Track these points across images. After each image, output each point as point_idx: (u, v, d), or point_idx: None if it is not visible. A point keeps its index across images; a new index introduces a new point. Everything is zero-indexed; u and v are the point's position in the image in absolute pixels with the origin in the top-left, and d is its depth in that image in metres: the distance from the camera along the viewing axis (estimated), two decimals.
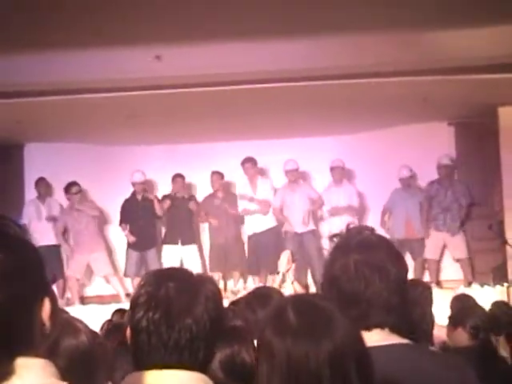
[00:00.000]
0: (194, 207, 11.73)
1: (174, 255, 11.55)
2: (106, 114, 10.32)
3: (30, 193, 12.02)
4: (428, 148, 11.68)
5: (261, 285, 10.12)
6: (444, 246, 11.66)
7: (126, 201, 11.79)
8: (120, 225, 11.79)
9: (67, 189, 11.55)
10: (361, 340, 1.76)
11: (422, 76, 9.33)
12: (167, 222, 11.84)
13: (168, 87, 9.22)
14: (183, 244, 11.65)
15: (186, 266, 10.82)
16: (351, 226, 2.39)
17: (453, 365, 2.18)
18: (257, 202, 11.64)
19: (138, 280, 10.60)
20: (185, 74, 8.77)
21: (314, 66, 8.66)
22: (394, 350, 2.11)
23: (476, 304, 6.29)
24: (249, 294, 4.20)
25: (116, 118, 10.53)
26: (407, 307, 2.27)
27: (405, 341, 2.16)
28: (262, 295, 4.07)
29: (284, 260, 7.58)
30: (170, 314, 1.99)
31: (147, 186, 11.99)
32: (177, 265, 11.14)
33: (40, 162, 12.01)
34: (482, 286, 10.60)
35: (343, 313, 1.76)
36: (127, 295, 11.49)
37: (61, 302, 11.20)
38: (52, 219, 11.78)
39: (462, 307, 5.82)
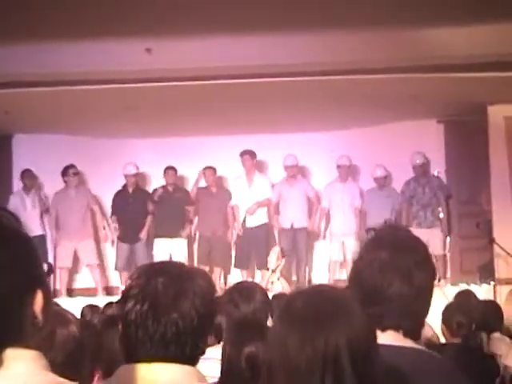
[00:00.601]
0: (185, 200, 11.72)
1: (164, 248, 11.54)
2: (97, 106, 10.30)
3: (18, 184, 11.97)
4: (417, 145, 11.69)
5: (249, 279, 10.13)
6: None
7: (117, 193, 11.80)
8: (111, 217, 11.77)
9: (64, 171, 11.56)
10: (369, 336, 1.72)
11: (412, 73, 9.33)
12: (158, 215, 11.80)
13: (161, 80, 9.20)
14: (174, 237, 11.62)
15: (174, 260, 10.92)
16: (388, 221, 2.40)
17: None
18: (258, 204, 11.62)
19: (125, 273, 10.70)
20: (178, 68, 8.75)
21: (306, 61, 8.66)
22: (407, 354, 2.09)
23: (468, 301, 6.29)
24: (231, 288, 4.19)
25: (108, 110, 10.52)
26: (426, 314, 2.24)
27: (418, 346, 2.16)
28: (244, 290, 4.06)
29: (273, 256, 7.61)
30: (157, 307, 1.99)
31: (139, 178, 11.97)
32: (166, 258, 11.17)
33: (29, 153, 11.97)
34: (468, 284, 10.62)
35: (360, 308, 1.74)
36: (105, 289, 11.50)
37: None
38: (45, 210, 11.75)
39: (450, 304, 5.82)
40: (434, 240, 11.45)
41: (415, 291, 2.14)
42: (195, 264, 11.39)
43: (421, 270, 2.17)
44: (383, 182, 11.83)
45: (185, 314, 1.99)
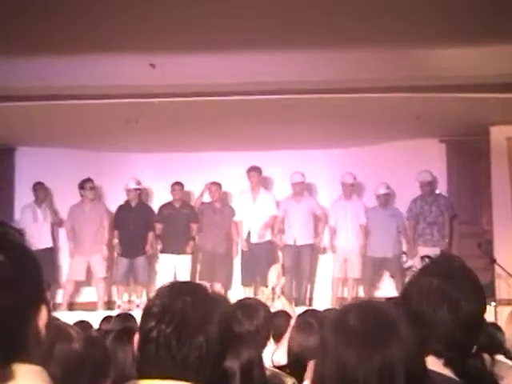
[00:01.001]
0: (192, 216, 11.75)
1: (169, 264, 11.57)
2: (100, 120, 10.31)
3: (21, 197, 11.98)
4: (419, 165, 11.69)
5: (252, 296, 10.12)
6: None
7: (120, 207, 11.84)
8: (113, 231, 11.78)
9: (82, 184, 11.60)
10: (418, 358, 1.74)
11: (416, 93, 9.35)
12: (164, 231, 11.80)
13: (164, 95, 9.22)
14: (179, 253, 11.64)
15: (178, 276, 10.99)
16: (444, 252, 2.44)
17: None
18: (266, 225, 11.63)
19: (122, 287, 10.71)
20: (182, 83, 8.77)
21: (312, 80, 8.68)
22: (445, 381, 2.10)
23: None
24: (235, 305, 4.18)
25: (111, 124, 10.53)
26: (472, 346, 2.24)
27: (455, 377, 2.15)
28: (248, 307, 4.06)
29: (274, 274, 7.61)
30: (183, 329, 1.96)
31: (142, 193, 12.00)
32: (171, 274, 11.19)
33: (32, 166, 11.97)
34: None
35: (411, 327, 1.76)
36: (106, 303, 11.49)
37: None
38: (59, 222, 11.79)
39: None
40: None
41: (461, 321, 2.15)
42: (197, 280, 11.40)
43: (470, 301, 2.18)
44: (385, 200, 11.82)
45: (209, 338, 1.97)
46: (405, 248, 11.77)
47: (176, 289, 2.06)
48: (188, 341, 1.95)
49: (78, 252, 11.62)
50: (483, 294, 2.26)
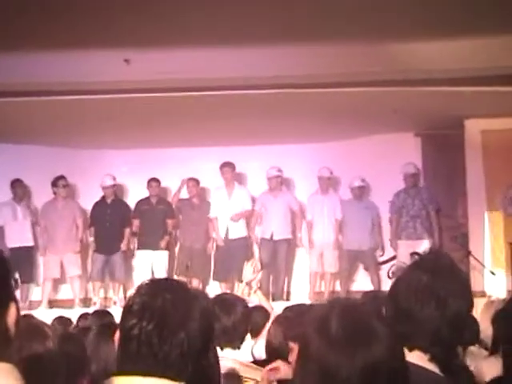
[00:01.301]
0: (168, 213, 11.74)
1: (146, 260, 11.55)
2: (75, 117, 10.25)
3: None
4: (395, 158, 11.73)
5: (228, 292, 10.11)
6: None
7: (96, 204, 11.77)
8: (89, 228, 11.74)
9: (54, 182, 11.51)
10: (400, 358, 1.76)
11: (391, 87, 9.38)
12: (140, 227, 11.79)
13: (139, 91, 9.18)
14: (156, 249, 11.62)
15: (155, 272, 10.97)
16: (434, 249, 2.45)
17: None
18: (241, 214, 11.63)
19: (98, 284, 10.69)
20: (156, 79, 8.73)
21: (287, 74, 8.68)
22: (430, 377, 2.12)
23: None
24: (212, 300, 4.17)
25: (87, 121, 10.48)
26: (457, 343, 2.27)
27: (440, 373, 2.17)
28: (225, 302, 4.06)
29: (249, 269, 7.56)
30: (164, 326, 1.96)
31: (117, 189, 11.95)
32: (148, 270, 11.16)
33: (7, 163, 11.87)
34: None
35: (390, 328, 1.77)
36: (82, 300, 11.43)
37: (23, 306, 11.13)
38: (35, 221, 11.73)
39: None
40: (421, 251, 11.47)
41: (448, 318, 2.17)
42: (174, 275, 11.38)
43: (457, 298, 2.20)
44: (360, 192, 11.85)
45: (191, 335, 1.97)
46: (383, 241, 11.79)
47: (156, 286, 2.06)
48: (169, 338, 1.95)
49: (51, 250, 11.52)
50: (470, 291, 2.29)
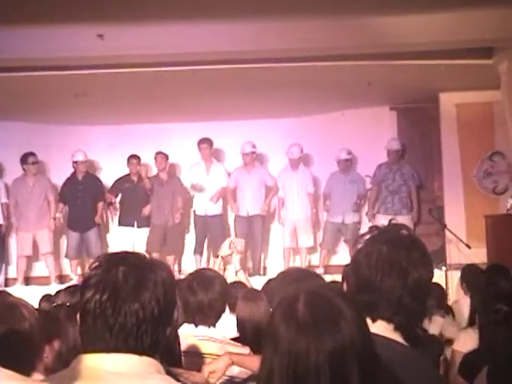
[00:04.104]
0: (148, 188, 11.68)
1: (128, 237, 11.47)
2: (48, 92, 10.15)
3: None
4: (371, 132, 11.76)
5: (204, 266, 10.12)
6: None
7: (67, 180, 11.66)
8: (57, 204, 11.63)
9: (23, 159, 11.37)
10: (367, 338, 1.76)
11: (365, 61, 9.37)
12: (122, 204, 11.74)
13: (113, 67, 9.10)
14: (139, 226, 11.58)
15: (137, 249, 10.90)
16: (393, 221, 2.46)
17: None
18: (217, 194, 11.60)
19: (75, 261, 10.66)
20: (130, 54, 8.64)
21: (260, 48, 8.62)
22: (394, 347, 2.13)
23: None
24: (190, 275, 4.17)
25: (59, 97, 10.40)
26: (421, 313, 2.28)
27: (404, 343, 2.19)
28: (203, 278, 4.05)
29: (226, 245, 7.55)
30: (117, 297, 1.97)
31: (89, 165, 11.85)
32: (130, 247, 11.12)
33: None
34: None
35: (354, 303, 1.78)
36: (59, 277, 11.39)
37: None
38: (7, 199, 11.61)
39: None
40: None
41: (409, 288, 2.18)
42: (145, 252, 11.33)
43: (418, 268, 2.21)
44: (346, 165, 11.82)
45: (145, 305, 1.97)
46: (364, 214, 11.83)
47: (111, 259, 2.06)
48: (123, 309, 1.96)
49: (23, 228, 11.41)
50: (431, 261, 2.29)
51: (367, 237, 2.34)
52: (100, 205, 11.61)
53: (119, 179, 11.78)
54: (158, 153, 11.71)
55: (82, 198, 11.50)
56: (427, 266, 2.25)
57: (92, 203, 11.56)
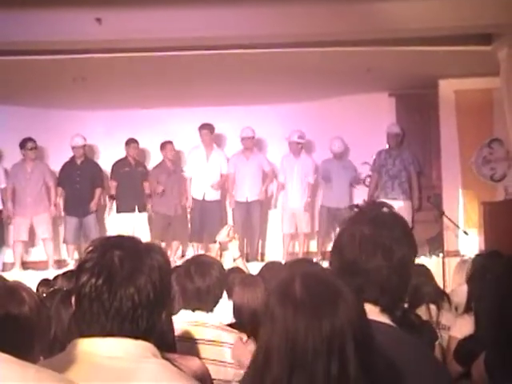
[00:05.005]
0: (147, 175, 11.67)
1: (127, 223, 11.37)
2: (46, 77, 10.13)
3: None
4: (370, 119, 11.74)
5: (201, 252, 10.10)
6: None
7: (65, 165, 11.61)
8: (55, 189, 11.60)
9: (22, 144, 11.33)
10: (364, 318, 1.76)
11: (365, 47, 9.34)
12: (121, 189, 11.62)
13: (111, 51, 9.07)
14: (140, 211, 11.55)
15: (137, 234, 10.89)
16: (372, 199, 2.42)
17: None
18: (219, 182, 11.59)
19: (71, 246, 10.62)
20: (128, 38, 8.61)
21: (261, 34, 8.59)
22: (383, 330, 2.09)
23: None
24: (189, 261, 4.17)
25: (58, 81, 10.36)
26: (405, 291, 2.26)
27: (393, 324, 2.16)
28: (201, 264, 4.05)
29: (224, 231, 7.57)
30: (113, 281, 1.97)
31: (88, 150, 11.82)
32: (130, 232, 11.07)
33: None
34: (418, 256, 10.73)
35: (347, 284, 1.77)
36: (57, 262, 11.38)
37: None
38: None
39: None
40: (399, 212, 11.50)
41: (394, 267, 2.15)
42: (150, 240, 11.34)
43: (401, 246, 2.17)
44: (340, 154, 11.85)
45: (141, 289, 1.97)
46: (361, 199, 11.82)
47: (107, 243, 2.06)
48: (118, 293, 1.96)
49: (20, 213, 11.37)
50: (413, 238, 2.25)
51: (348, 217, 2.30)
52: (98, 191, 11.56)
53: (117, 163, 11.70)
54: (167, 142, 11.65)
55: (80, 183, 11.46)
56: (410, 244, 2.22)
57: (90, 188, 11.51)
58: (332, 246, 2.29)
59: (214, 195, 11.60)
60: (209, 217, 11.39)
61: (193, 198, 11.66)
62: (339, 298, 1.71)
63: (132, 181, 11.53)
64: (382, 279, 2.14)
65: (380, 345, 1.79)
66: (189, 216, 11.80)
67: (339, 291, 1.73)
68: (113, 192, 11.70)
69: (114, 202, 11.79)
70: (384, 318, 2.15)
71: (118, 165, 11.68)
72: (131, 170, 11.62)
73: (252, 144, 11.71)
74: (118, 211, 11.67)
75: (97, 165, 11.83)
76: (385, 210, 2.28)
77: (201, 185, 11.60)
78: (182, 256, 11.26)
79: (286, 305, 1.71)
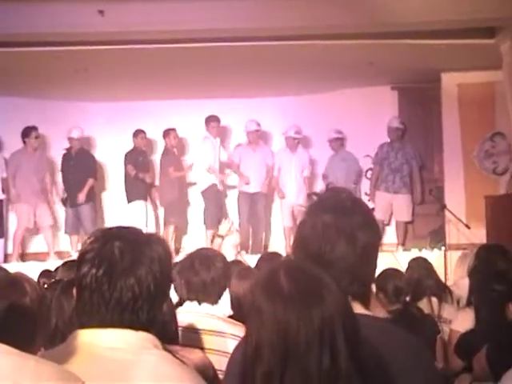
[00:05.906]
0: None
1: (140, 211, 11.40)
2: (49, 68, 10.14)
3: None
4: (372, 112, 11.72)
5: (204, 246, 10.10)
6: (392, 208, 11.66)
7: (63, 156, 11.70)
8: (56, 178, 11.70)
9: (25, 132, 11.32)
10: (349, 307, 1.76)
11: (368, 40, 9.34)
12: (130, 179, 11.56)
13: (113, 43, 9.07)
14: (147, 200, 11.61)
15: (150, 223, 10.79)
16: (330, 186, 2.36)
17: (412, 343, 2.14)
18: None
19: (74, 237, 10.66)
20: (131, 30, 8.62)
21: (265, 27, 8.61)
22: (363, 320, 1.99)
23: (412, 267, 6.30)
24: (193, 254, 4.17)
25: (60, 72, 10.36)
26: (373, 277, 2.20)
27: (366, 312, 2.09)
28: (204, 257, 4.06)
29: (226, 226, 7.59)
30: (113, 272, 1.96)
31: (84, 141, 11.85)
32: (143, 221, 11.09)
33: None
34: (420, 249, 10.74)
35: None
36: (57, 253, 11.38)
37: None
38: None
39: (384, 271, 5.69)
40: (399, 206, 11.53)
41: (360, 253, 2.08)
42: (161, 227, 11.50)
43: (364, 231, 2.10)
44: (337, 144, 11.83)
45: (141, 280, 1.97)
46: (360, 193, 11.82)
47: (108, 233, 2.05)
48: (119, 284, 1.95)
49: (22, 200, 11.34)
50: (376, 223, 2.19)
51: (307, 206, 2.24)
52: (89, 181, 11.51)
53: (130, 152, 11.65)
54: (171, 129, 11.63)
55: (73, 174, 11.49)
56: (373, 228, 2.15)
57: (83, 179, 11.47)
58: (294, 237, 2.21)
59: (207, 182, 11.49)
60: (216, 204, 11.35)
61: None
62: (324, 289, 1.70)
63: (144, 170, 11.57)
64: (348, 267, 2.06)
65: (365, 337, 1.78)
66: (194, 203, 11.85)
67: (323, 282, 1.72)
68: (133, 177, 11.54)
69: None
70: (358, 308, 2.06)
71: (132, 154, 11.61)
72: (145, 160, 11.66)
73: (257, 137, 11.71)
74: (130, 201, 11.59)
75: (91, 156, 11.82)
76: (344, 195, 2.20)
77: (204, 174, 11.51)
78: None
79: (274, 298, 1.69)
